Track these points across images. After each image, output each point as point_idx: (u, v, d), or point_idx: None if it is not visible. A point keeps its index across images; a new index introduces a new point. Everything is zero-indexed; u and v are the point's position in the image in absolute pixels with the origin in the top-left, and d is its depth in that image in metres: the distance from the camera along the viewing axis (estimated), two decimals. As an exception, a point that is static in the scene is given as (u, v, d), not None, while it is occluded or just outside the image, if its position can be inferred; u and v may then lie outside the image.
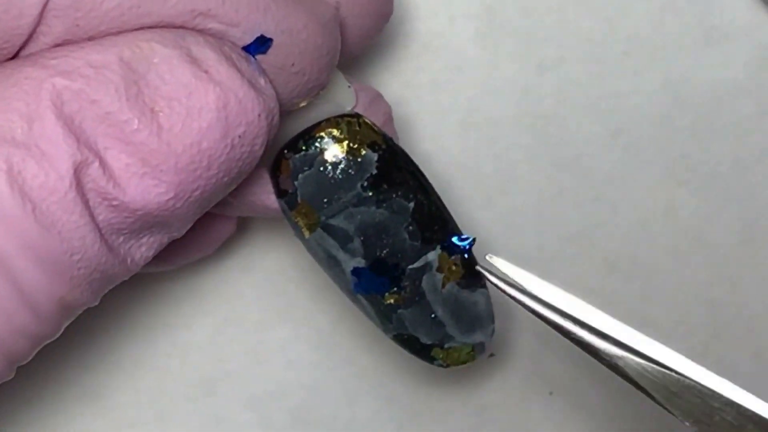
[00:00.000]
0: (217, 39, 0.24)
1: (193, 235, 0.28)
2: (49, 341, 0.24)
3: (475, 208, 0.33)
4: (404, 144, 0.33)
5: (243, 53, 0.24)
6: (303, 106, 0.27)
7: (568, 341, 0.33)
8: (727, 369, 0.33)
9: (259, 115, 0.24)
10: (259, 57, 0.25)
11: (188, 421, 0.32)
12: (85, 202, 0.23)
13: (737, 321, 0.33)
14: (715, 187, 0.33)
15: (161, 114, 0.23)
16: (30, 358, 0.24)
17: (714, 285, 0.33)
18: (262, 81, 0.24)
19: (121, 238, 0.24)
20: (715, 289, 0.33)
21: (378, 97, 0.29)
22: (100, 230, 0.23)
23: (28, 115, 0.22)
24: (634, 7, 0.33)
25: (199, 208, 0.24)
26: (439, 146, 0.32)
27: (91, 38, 0.23)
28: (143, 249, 0.25)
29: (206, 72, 0.23)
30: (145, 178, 0.23)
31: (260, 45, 0.25)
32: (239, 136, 0.24)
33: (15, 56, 0.24)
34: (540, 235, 0.33)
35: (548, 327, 0.33)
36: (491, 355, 0.33)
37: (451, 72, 0.33)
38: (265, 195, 0.27)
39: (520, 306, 0.27)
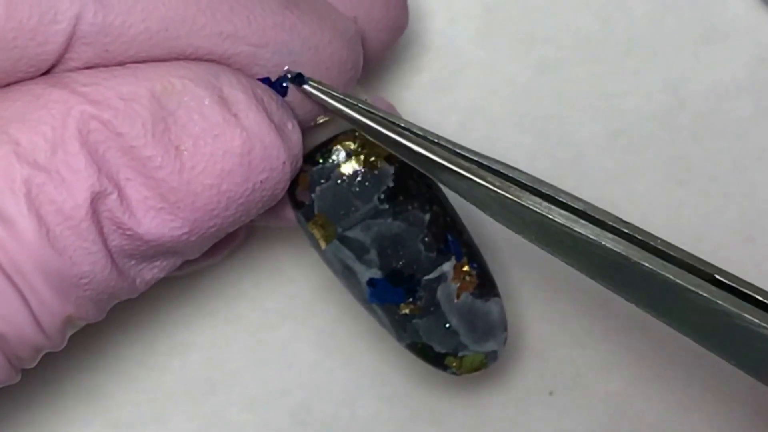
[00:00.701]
0: (251, 80, 0.24)
1: None
2: (52, 351, 0.25)
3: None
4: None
5: (275, 96, 0.25)
6: (324, 122, 0.27)
7: (567, 341, 0.33)
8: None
9: (284, 163, 0.24)
10: (288, 80, 0.25)
11: (188, 421, 0.32)
12: (99, 230, 0.23)
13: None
14: (715, 187, 0.33)
15: (185, 153, 0.23)
16: (33, 365, 0.25)
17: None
18: (289, 126, 0.25)
19: (133, 262, 0.24)
20: (715, 289, 0.33)
21: (391, 109, 0.29)
22: (111, 255, 0.23)
23: (53, 140, 0.23)
24: (634, 7, 0.33)
25: (214, 239, 0.25)
26: (439, 146, 0.32)
27: (120, 63, 0.24)
28: (155, 271, 0.25)
29: (235, 116, 0.23)
30: (162, 212, 0.23)
31: (299, 79, 0.25)
32: (261, 182, 0.24)
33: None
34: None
35: (548, 326, 0.33)
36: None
37: (451, 72, 0.33)
38: (280, 206, 0.27)
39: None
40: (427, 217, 0.27)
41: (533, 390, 0.33)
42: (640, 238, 0.25)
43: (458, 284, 0.27)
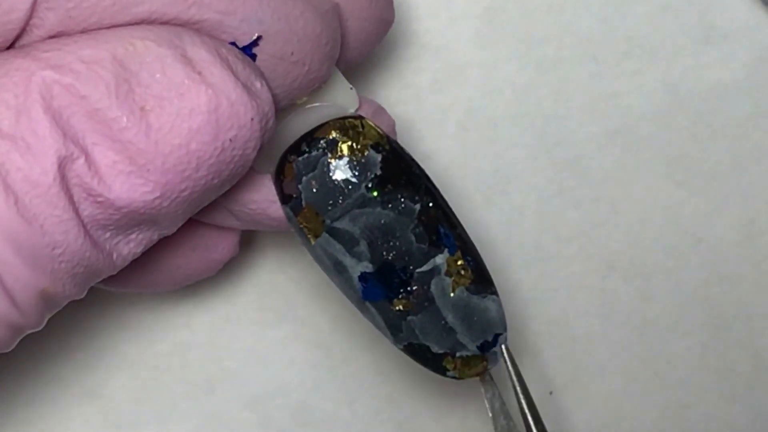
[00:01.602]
0: (215, 40, 0.24)
1: (194, 257, 0.28)
2: (31, 331, 0.24)
3: (475, 208, 0.33)
4: (404, 144, 0.33)
5: (241, 55, 0.24)
6: (305, 105, 0.27)
7: (567, 341, 0.33)
8: (727, 369, 0.33)
9: (252, 119, 0.24)
10: (257, 47, 0.24)
11: (188, 421, 0.32)
12: (69, 197, 0.23)
13: (737, 321, 0.33)
14: (715, 187, 0.33)
15: (151, 113, 0.23)
16: (12, 347, 0.24)
17: (714, 285, 0.33)
18: (258, 84, 0.24)
19: (108, 234, 0.24)
20: (715, 289, 0.33)
21: (380, 110, 0.29)
22: (84, 225, 0.23)
23: (16, 107, 0.22)
24: (633, 7, 0.33)
25: (189, 207, 0.24)
26: (439, 146, 0.32)
27: (84, 30, 0.23)
28: (131, 245, 0.24)
29: (199, 73, 0.23)
30: (131, 176, 0.23)
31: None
32: (230, 140, 0.24)
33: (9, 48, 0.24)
34: (540, 235, 0.33)
35: (547, 326, 0.33)
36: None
37: (451, 72, 0.33)
38: (266, 204, 0.27)
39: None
40: (418, 206, 0.27)
41: (533, 390, 0.33)
42: None
43: (452, 278, 0.27)
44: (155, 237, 0.25)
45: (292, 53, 0.25)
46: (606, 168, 0.33)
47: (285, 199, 0.27)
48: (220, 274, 0.32)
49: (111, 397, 0.32)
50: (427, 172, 0.28)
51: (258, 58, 0.25)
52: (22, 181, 0.22)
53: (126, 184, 0.23)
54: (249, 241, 0.32)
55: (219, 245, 0.30)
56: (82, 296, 0.24)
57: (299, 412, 0.32)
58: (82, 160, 0.23)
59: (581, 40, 0.33)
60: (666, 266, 0.33)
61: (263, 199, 0.27)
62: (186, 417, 0.32)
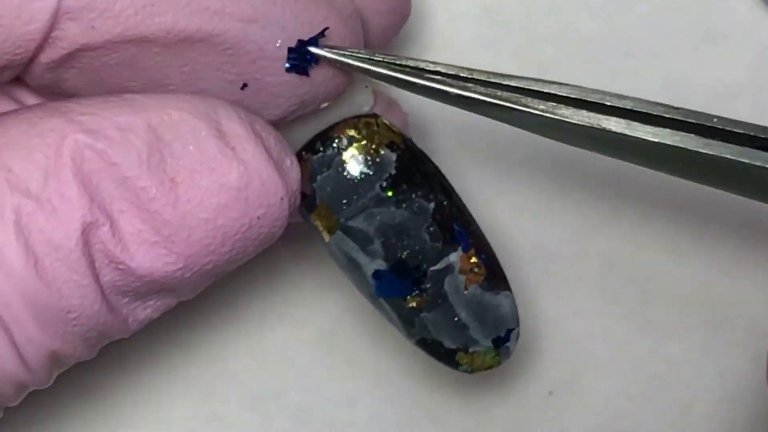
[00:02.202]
0: (249, 115, 0.24)
1: None
2: (38, 389, 0.24)
3: (475, 208, 0.33)
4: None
5: (274, 131, 0.24)
6: (324, 107, 0.26)
7: (567, 341, 0.33)
8: (728, 369, 0.33)
9: (282, 199, 0.24)
10: (281, 53, 0.24)
11: (188, 421, 0.32)
12: (90, 263, 0.23)
13: (737, 321, 0.33)
14: (715, 187, 0.33)
15: (181, 185, 0.23)
16: (17, 403, 0.24)
17: (714, 285, 0.33)
18: (288, 162, 0.24)
19: (126, 300, 0.24)
20: (715, 289, 0.33)
21: (394, 104, 0.28)
22: (102, 291, 0.23)
23: (46, 169, 0.22)
24: (634, 7, 0.33)
25: (210, 278, 0.24)
26: (439, 146, 0.32)
27: (108, 42, 0.23)
28: (149, 311, 0.24)
29: (233, 149, 0.23)
30: (156, 246, 0.23)
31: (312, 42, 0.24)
32: (258, 218, 0.23)
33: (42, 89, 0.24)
34: (540, 235, 0.33)
35: (547, 326, 0.33)
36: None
37: (451, 72, 0.32)
38: None
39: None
40: (432, 205, 0.27)
41: (533, 390, 0.33)
42: (694, 121, 0.25)
43: (466, 276, 0.27)
44: (173, 303, 0.25)
45: None
46: (606, 168, 0.33)
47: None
48: (220, 275, 0.32)
49: (111, 397, 0.32)
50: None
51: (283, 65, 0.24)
52: (44, 243, 0.22)
53: (149, 254, 0.23)
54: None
55: None
56: (93, 357, 0.24)
57: (299, 413, 0.32)
58: (107, 227, 0.23)
59: (581, 40, 0.33)
60: (666, 266, 0.33)
61: None
62: (186, 417, 0.32)
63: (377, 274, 0.27)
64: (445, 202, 0.27)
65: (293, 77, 0.25)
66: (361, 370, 0.32)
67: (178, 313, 0.32)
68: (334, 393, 0.32)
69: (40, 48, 0.23)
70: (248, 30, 0.24)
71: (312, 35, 0.24)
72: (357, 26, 0.26)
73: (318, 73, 0.25)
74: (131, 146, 0.23)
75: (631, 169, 0.33)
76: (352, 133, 0.26)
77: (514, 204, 0.33)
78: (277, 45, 0.24)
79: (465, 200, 0.32)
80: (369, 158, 0.26)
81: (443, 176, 0.27)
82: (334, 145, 0.26)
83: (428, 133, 0.32)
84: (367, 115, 0.27)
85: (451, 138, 0.32)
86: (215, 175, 0.23)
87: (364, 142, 0.26)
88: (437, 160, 0.32)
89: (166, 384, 0.32)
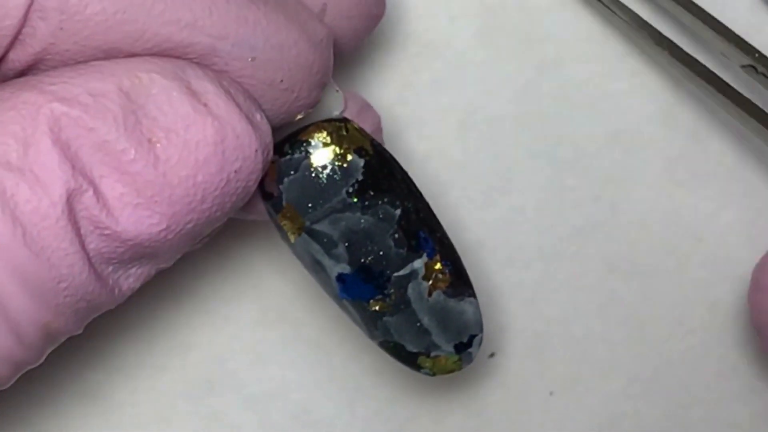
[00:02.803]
0: (216, 72, 0.24)
1: None
2: (30, 368, 0.24)
3: (475, 208, 0.33)
4: (404, 144, 0.33)
5: (240, 87, 0.24)
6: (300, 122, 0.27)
7: (567, 341, 0.33)
8: (728, 369, 0.33)
9: (256, 151, 0.24)
10: (247, 71, 0.25)
11: (188, 421, 0.32)
12: (77, 230, 0.23)
13: (737, 321, 0.33)
14: (715, 187, 0.33)
15: (158, 145, 0.23)
16: (10, 384, 0.24)
17: (714, 285, 0.33)
18: (258, 116, 0.24)
19: (110, 268, 0.24)
20: (715, 289, 0.33)
21: (366, 106, 0.28)
22: (89, 259, 0.23)
23: (24, 140, 0.22)
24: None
25: (189, 240, 0.24)
26: (439, 146, 0.32)
27: (76, 44, 0.23)
28: (131, 280, 0.25)
29: (205, 105, 0.23)
30: (139, 208, 0.23)
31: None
32: (235, 171, 0.24)
33: (11, 76, 0.24)
34: (540, 235, 0.33)
35: (547, 326, 0.33)
36: (491, 355, 0.33)
37: (451, 72, 0.33)
38: (251, 197, 0.27)
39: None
40: (398, 212, 0.27)
41: (533, 390, 0.33)
42: None
43: (430, 282, 0.27)
44: (153, 272, 0.25)
45: (282, 80, 0.25)
46: (606, 168, 0.33)
47: (266, 196, 0.27)
48: (219, 275, 0.32)
49: (111, 397, 0.32)
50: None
51: (248, 83, 0.25)
52: (30, 213, 0.22)
53: (133, 217, 0.23)
54: (248, 241, 0.32)
55: None
56: (80, 332, 0.24)
57: (299, 413, 0.32)
58: (90, 193, 0.23)
59: (581, 40, 0.33)
60: (666, 266, 0.33)
61: None
62: (186, 417, 0.32)
63: (341, 278, 0.27)
64: (411, 209, 0.27)
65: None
66: (361, 371, 0.33)
67: (178, 312, 0.32)
68: (334, 393, 0.32)
69: (11, 47, 0.23)
70: (217, 46, 0.24)
71: (281, 57, 0.25)
72: (327, 52, 0.26)
73: None
74: (106, 110, 0.23)
75: (630, 169, 0.33)
76: (321, 137, 0.26)
77: (514, 204, 0.33)
78: (249, 61, 0.25)
79: (464, 200, 0.32)
80: (337, 163, 0.26)
81: (411, 182, 0.27)
82: (302, 148, 0.26)
83: (427, 134, 0.32)
84: (336, 120, 0.27)
85: (451, 138, 0.32)
86: (191, 132, 0.23)
87: (332, 146, 0.26)
88: (437, 161, 0.33)
89: (165, 384, 0.32)
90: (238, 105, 0.24)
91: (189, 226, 0.24)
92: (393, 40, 0.32)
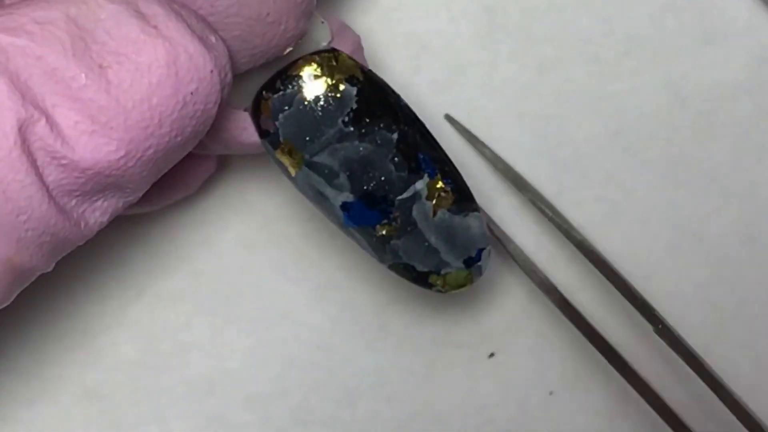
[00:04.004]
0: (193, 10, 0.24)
1: (173, 174, 0.27)
2: (0, 307, 0.24)
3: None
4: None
5: (192, 11, 0.24)
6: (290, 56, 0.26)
7: (567, 341, 0.33)
8: (728, 369, 0.33)
9: (212, 71, 0.23)
10: (234, 9, 0.24)
11: (188, 421, 0.32)
12: (32, 161, 0.22)
13: (737, 321, 0.33)
14: (715, 187, 0.33)
15: (110, 70, 0.23)
16: None
17: (714, 285, 0.33)
18: (212, 38, 0.24)
19: (74, 201, 0.23)
20: (715, 289, 0.33)
21: (344, 27, 0.28)
22: (48, 191, 0.23)
23: None
24: (633, 7, 0.33)
25: (153, 169, 0.24)
26: (439, 146, 0.32)
27: None
28: (97, 213, 0.24)
29: (155, 27, 0.23)
30: (95, 135, 0.23)
31: None
32: (191, 93, 0.23)
33: None
34: (540, 235, 0.33)
35: (548, 326, 0.33)
36: (491, 355, 0.33)
37: (451, 72, 0.33)
38: (238, 131, 0.27)
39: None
40: (395, 136, 0.27)
41: (533, 390, 0.33)
42: None
43: (433, 201, 0.27)
44: (120, 204, 0.24)
45: (268, 14, 0.25)
46: (606, 168, 0.33)
47: (263, 133, 0.27)
48: (219, 275, 0.32)
49: (111, 397, 0.32)
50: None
51: (235, 21, 0.25)
52: None
53: (90, 144, 0.23)
54: (249, 241, 0.32)
55: (195, 164, 0.29)
56: (50, 269, 0.24)
57: (299, 413, 0.32)
58: (43, 122, 0.22)
59: (581, 40, 0.33)
60: (666, 266, 0.33)
61: (234, 126, 0.27)
62: (186, 417, 0.32)
63: (345, 206, 0.27)
64: (408, 132, 0.27)
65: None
66: (361, 370, 0.33)
67: (177, 312, 0.32)
68: (334, 393, 0.32)
69: None
70: None
71: None
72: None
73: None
74: (53, 37, 0.22)
75: (630, 169, 0.33)
76: (311, 69, 0.26)
77: (514, 204, 0.33)
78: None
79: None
80: (330, 94, 0.26)
81: (406, 105, 0.27)
82: (294, 83, 0.26)
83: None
84: (325, 51, 0.27)
85: (451, 138, 0.32)
86: (142, 55, 0.23)
87: (323, 78, 0.26)
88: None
89: (165, 384, 0.32)
90: (189, 26, 0.23)
91: (149, 152, 0.23)
92: (393, 40, 0.32)
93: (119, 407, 0.32)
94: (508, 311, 0.33)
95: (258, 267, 0.32)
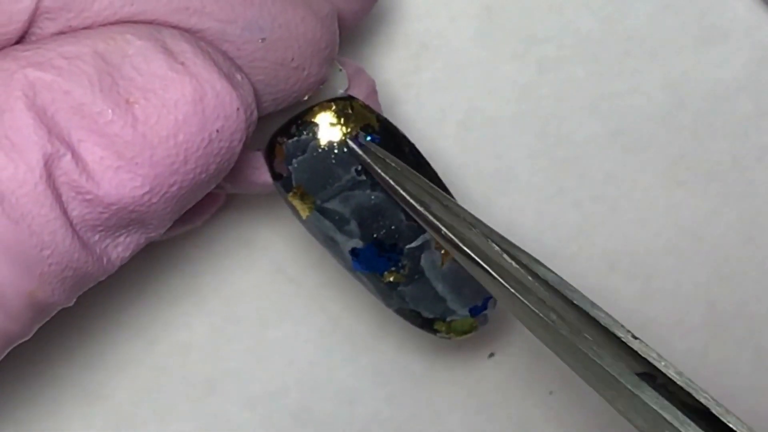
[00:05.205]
0: (192, 34, 0.24)
1: None
2: (20, 341, 0.24)
3: (475, 208, 0.33)
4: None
5: (219, 49, 0.24)
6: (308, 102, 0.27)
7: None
8: (728, 369, 0.33)
9: (238, 109, 0.24)
10: (259, 54, 0.25)
11: (188, 421, 0.32)
12: (57, 196, 0.22)
13: (737, 321, 0.33)
14: (715, 187, 0.33)
15: (136, 105, 0.23)
16: (1, 357, 0.24)
17: (714, 285, 0.33)
18: (239, 76, 0.24)
19: (97, 236, 0.23)
20: (715, 289, 0.33)
21: (360, 71, 0.28)
22: (72, 226, 0.23)
23: None
24: (634, 7, 0.33)
25: (176, 205, 0.24)
26: (439, 146, 0.32)
27: None
28: (120, 249, 0.24)
29: (182, 64, 0.23)
30: (120, 171, 0.23)
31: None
32: (217, 130, 0.23)
33: None
34: (540, 235, 0.33)
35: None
36: (491, 355, 0.33)
37: (451, 72, 0.33)
38: (250, 171, 0.27)
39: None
40: None
41: (533, 390, 0.33)
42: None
43: (442, 251, 0.27)
44: (142, 240, 0.24)
45: (293, 59, 0.25)
46: (606, 168, 0.33)
47: (276, 176, 0.27)
48: (219, 275, 0.32)
49: (111, 397, 0.32)
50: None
51: (260, 65, 0.25)
52: (7, 180, 0.22)
53: (115, 180, 0.23)
54: (249, 241, 0.32)
55: (203, 202, 0.30)
56: (71, 304, 0.24)
57: (299, 413, 0.32)
58: (68, 157, 0.22)
59: (581, 40, 0.33)
60: (666, 266, 0.33)
61: (247, 165, 0.27)
62: (186, 417, 0.32)
63: (354, 252, 0.27)
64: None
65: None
66: (361, 370, 0.32)
67: (177, 312, 0.32)
68: (334, 393, 0.32)
69: (15, 42, 0.23)
70: (226, 30, 0.24)
71: (289, 35, 0.25)
72: (333, 26, 0.26)
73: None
74: (80, 72, 0.22)
75: (630, 168, 0.33)
76: (327, 116, 0.27)
77: (514, 204, 0.33)
78: (260, 43, 0.24)
79: (464, 200, 0.32)
80: (344, 142, 0.27)
81: (419, 154, 0.27)
82: (309, 129, 0.26)
83: (427, 134, 0.32)
84: (342, 98, 0.27)
85: (451, 138, 0.32)
86: (169, 91, 0.23)
87: (339, 125, 0.27)
88: (437, 161, 0.32)
89: (165, 384, 0.32)
90: (216, 64, 0.23)
91: (174, 188, 0.23)
92: (393, 40, 0.32)
93: (119, 407, 0.32)
94: (506, 311, 0.33)
95: (258, 267, 0.32)
